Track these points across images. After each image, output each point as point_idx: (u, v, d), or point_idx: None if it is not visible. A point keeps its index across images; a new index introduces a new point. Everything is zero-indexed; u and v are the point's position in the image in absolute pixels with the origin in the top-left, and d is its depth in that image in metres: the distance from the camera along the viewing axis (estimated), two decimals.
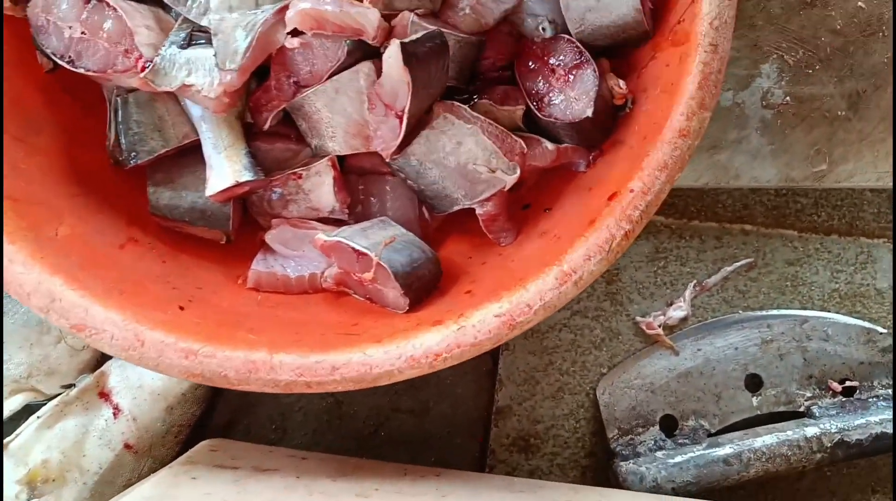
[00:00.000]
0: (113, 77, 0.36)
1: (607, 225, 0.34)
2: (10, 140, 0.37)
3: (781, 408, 0.46)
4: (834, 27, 0.45)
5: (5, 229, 0.33)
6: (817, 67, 0.45)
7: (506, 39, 0.40)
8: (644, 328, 0.47)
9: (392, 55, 0.33)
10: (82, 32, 0.35)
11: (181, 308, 0.35)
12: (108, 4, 0.35)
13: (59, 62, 0.36)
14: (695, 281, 0.47)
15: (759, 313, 0.47)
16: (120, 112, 0.37)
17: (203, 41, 0.36)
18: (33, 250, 0.33)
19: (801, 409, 0.46)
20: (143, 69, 0.35)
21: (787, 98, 0.46)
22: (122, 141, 0.38)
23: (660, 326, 0.47)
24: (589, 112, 0.36)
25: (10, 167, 0.36)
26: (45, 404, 0.42)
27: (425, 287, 0.37)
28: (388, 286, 0.36)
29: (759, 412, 0.46)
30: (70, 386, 0.43)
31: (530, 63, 0.39)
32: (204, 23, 0.36)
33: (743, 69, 0.46)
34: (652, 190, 0.34)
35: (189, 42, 0.36)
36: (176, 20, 0.37)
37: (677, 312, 0.47)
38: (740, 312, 0.47)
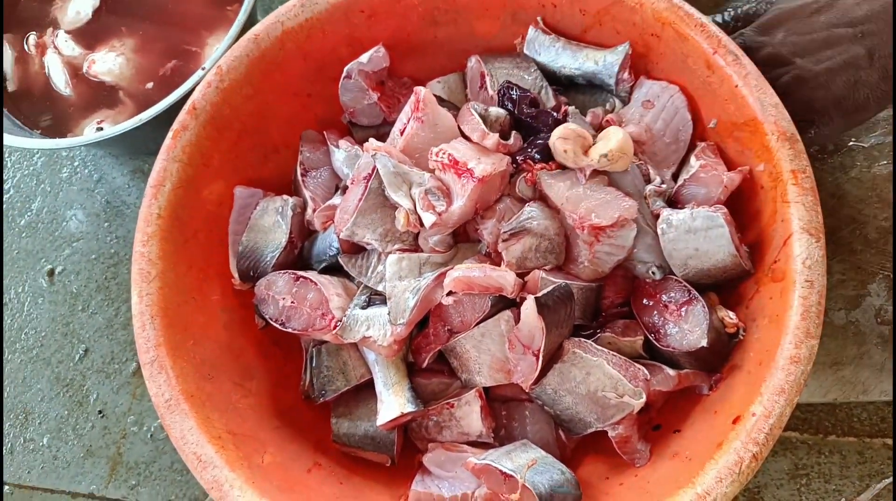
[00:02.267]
0: (311, 333, 0.46)
1: (735, 448, 0.36)
2: (231, 385, 0.47)
3: None
4: None
5: (226, 459, 0.42)
6: None
7: (622, 281, 0.47)
8: None
9: (528, 307, 0.41)
10: (292, 302, 0.47)
11: None
12: (310, 280, 0.47)
13: (273, 324, 0.47)
14: (843, 499, 0.46)
15: None
16: (314, 360, 0.47)
17: (378, 302, 0.46)
18: (248, 477, 0.41)
19: None
20: (334, 327, 0.45)
21: None
22: (315, 382, 0.47)
23: None
24: (704, 342, 0.41)
25: (230, 406, 0.46)
26: None
27: None
28: None
29: None
30: None
31: (644, 300, 0.45)
32: (380, 288, 0.46)
33: (851, 290, 0.49)
34: (773, 413, 0.37)
35: (368, 304, 0.47)
36: (358, 287, 0.48)
37: None
38: None
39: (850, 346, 0.48)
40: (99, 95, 0.62)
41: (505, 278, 0.43)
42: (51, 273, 0.64)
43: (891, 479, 0.46)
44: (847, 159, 0.51)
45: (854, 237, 0.49)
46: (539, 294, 0.41)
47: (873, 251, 0.49)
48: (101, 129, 0.60)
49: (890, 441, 0.47)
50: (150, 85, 0.61)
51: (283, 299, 0.47)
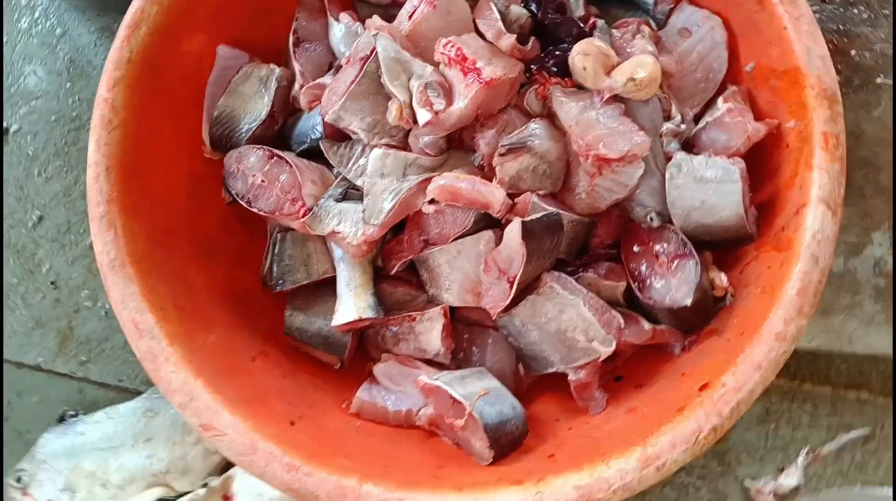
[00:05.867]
0: (278, 218, 0.43)
1: (696, 416, 0.35)
2: (185, 257, 0.44)
3: None
4: None
5: (167, 330, 0.39)
6: None
7: (615, 221, 0.43)
8: (754, 493, 0.45)
9: (512, 230, 0.38)
10: (262, 181, 0.43)
11: (292, 423, 0.39)
12: (286, 161, 0.43)
13: (239, 201, 0.44)
14: (808, 448, 0.45)
15: (879, 489, 0.44)
16: (278, 246, 0.44)
17: (355, 198, 0.43)
18: (186, 354, 0.39)
19: None
20: (303, 215, 0.42)
21: None
22: (275, 269, 0.44)
23: (770, 493, 0.44)
24: (688, 302, 0.38)
25: (181, 279, 0.43)
26: (175, 500, 0.47)
27: (511, 443, 0.39)
28: (476, 436, 0.38)
29: None
30: (204, 486, 0.48)
31: (635, 246, 0.42)
32: (358, 183, 0.43)
33: (854, 237, 0.46)
34: (744, 388, 0.35)
35: (343, 197, 0.43)
36: (336, 178, 0.44)
37: (789, 479, 0.45)
38: (859, 486, 0.44)
39: (844, 295, 0.45)
40: None
41: (494, 195, 0.39)
42: (5, 131, 0.59)
43: (859, 432, 0.45)
44: (873, 97, 0.47)
45: (866, 182, 0.46)
46: (527, 218, 0.38)
47: (883, 198, 0.46)
48: None
49: (865, 395, 0.45)
50: None
51: (254, 176, 0.43)
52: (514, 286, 0.39)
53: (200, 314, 0.42)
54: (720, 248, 0.41)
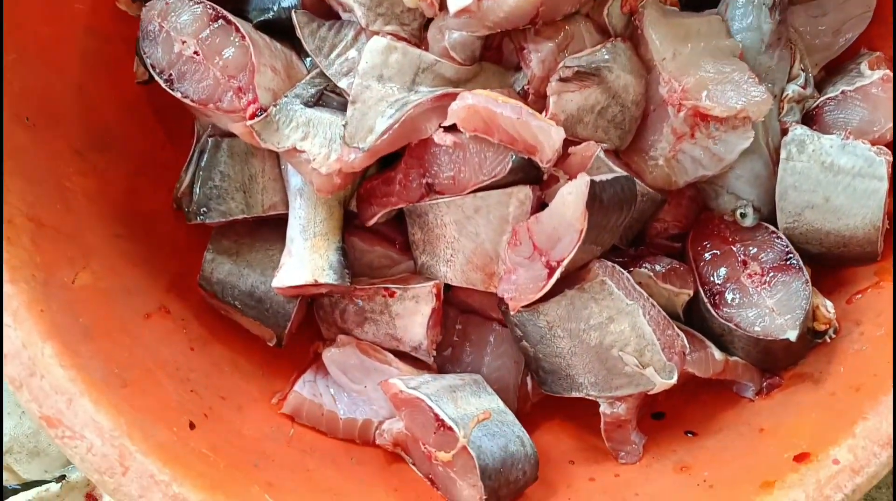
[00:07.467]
0: (213, 114, 0.29)
1: (793, 499, 0.24)
2: (65, 146, 0.30)
3: None
4: None
5: (8, 259, 0.25)
6: None
7: (686, 205, 0.32)
8: None
9: (574, 192, 0.25)
10: (195, 52, 0.29)
11: (192, 426, 0.26)
12: (236, 28, 0.29)
13: (157, 78, 0.29)
14: None
15: None
16: (206, 156, 0.30)
17: (334, 105, 0.29)
18: (36, 297, 0.25)
19: None
20: (252, 116, 0.28)
21: None
22: (196, 190, 0.30)
23: None
24: (793, 335, 0.27)
25: (53, 179, 0.29)
26: (16, 494, 0.32)
27: (512, 494, 0.27)
28: (465, 480, 0.26)
29: None
30: (61, 479, 0.33)
31: (709, 244, 0.31)
32: (342, 84, 0.29)
33: None
34: (866, 470, 0.24)
35: (317, 101, 0.29)
36: (309, 71, 0.30)
37: None
38: None
39: None
40: None
41: (547, 134, 0.27)
42: None
43: None
44: None
45: None
46: (597, 178, 0.25)
47: None
48: None
49: None
50: None
51: (185, 42, 0.29)
52: (556, 275, 0.26)
53: (72, 238, 0.28)
54: (827, 264, 0.30)
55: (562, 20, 0.29)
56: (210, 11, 0.29)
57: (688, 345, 0.28)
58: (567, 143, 0.29)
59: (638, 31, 0.30)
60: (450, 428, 0.26)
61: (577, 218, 0.25)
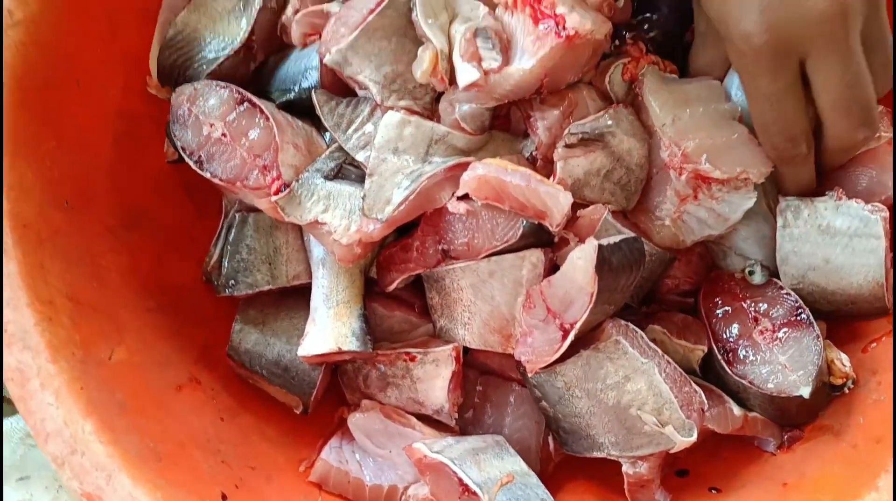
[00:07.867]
0: (240, 191, 0.30)
1: None
2: (99, 228, 0.31)
3: None
4: None
5: (49, 339, 0.26)
6: None
7: (696, 262, 0.33)
8: None
9: (584, 257, 0.26)
10: (223, 134, 0.31)
11: (224, 497, 0.27)
12: (261, 110, 0.31)
13: (187, 159, 0.31)
14: None
15: None
16: (234, 231, 0.32)
17: (353, 177, 0.31)
18: (76, 376, 0.26)
19: None
20: (276, 191, 0.30)
21: None
22: (225, 264, 0.32)
23: None
24: (806, 392, 0.27)
25: (87, 260, 0.30)
26: None
27: None
28: None
29: None
30: None
31: (720, 300, 0.31)
32: (360, 157, 0.31)
33: None
34: None
35: (336, 174, 0.31)
36: (328, 146, 0.32)
37: None
38: None
39: None
40: None
41: (556, 200, 0.28)
42: None
43: None
44: None
45: None
46: (605, 242, 0.26)
47: None
48: None
49: None
50: None
51: (213, 125, 0.31)
52: (571, 336, 0.27)
53: (108, 315, 0.29)
54: (839, 319, 0.31)
55: (566, 89, 0.31)
56: (236, 95, 0.31)
57: (706, 401, 0.29)
58: (575, 206, 0.30)
59: (638, 97, 0.31)
60: (474, 493, 0.27)
61: (587, 282, 0.26)
